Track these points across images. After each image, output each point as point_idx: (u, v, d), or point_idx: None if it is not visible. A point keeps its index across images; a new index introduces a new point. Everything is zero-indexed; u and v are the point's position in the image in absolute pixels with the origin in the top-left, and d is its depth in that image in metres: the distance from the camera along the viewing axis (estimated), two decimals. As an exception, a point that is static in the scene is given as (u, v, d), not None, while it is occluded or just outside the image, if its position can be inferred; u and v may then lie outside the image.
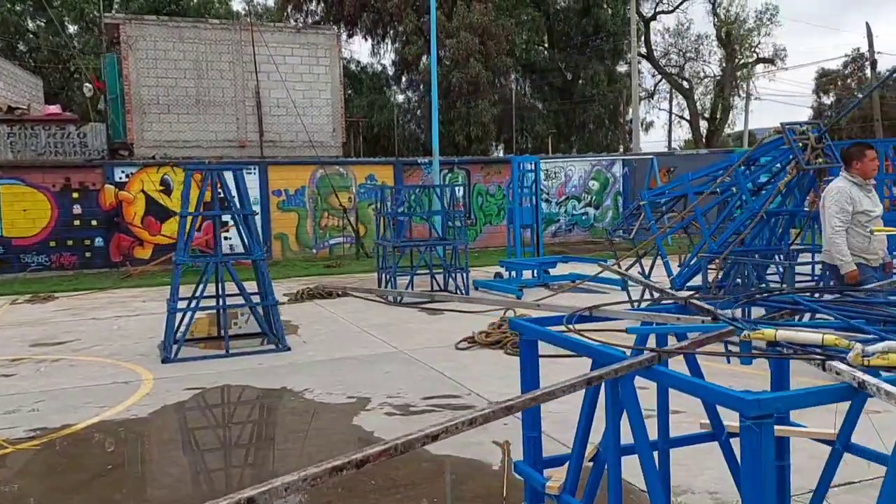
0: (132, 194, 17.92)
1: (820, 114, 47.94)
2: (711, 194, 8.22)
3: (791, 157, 7.04)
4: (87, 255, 17.61)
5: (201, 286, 8.25)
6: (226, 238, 18.82)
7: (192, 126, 18.79)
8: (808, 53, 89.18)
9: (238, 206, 8.37)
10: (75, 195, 17.41)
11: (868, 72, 45.05)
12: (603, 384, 2.21)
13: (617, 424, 2.21)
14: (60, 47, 33.69)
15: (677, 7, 36.98)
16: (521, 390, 2.80)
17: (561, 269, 12.95)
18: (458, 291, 11.43)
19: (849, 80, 46.92)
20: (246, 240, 8.37)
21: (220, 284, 8.08)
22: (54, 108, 18.01)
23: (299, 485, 1.31)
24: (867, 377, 1.62)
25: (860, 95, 46.62)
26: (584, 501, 2.50)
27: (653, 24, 37.41)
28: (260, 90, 19.24)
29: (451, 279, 11.73)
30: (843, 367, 1.69)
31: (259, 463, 4.94)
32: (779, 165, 7.60)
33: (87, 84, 18.25)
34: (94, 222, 17.58)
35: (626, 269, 9.47)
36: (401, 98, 35.27)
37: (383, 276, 12.04)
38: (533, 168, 12.92)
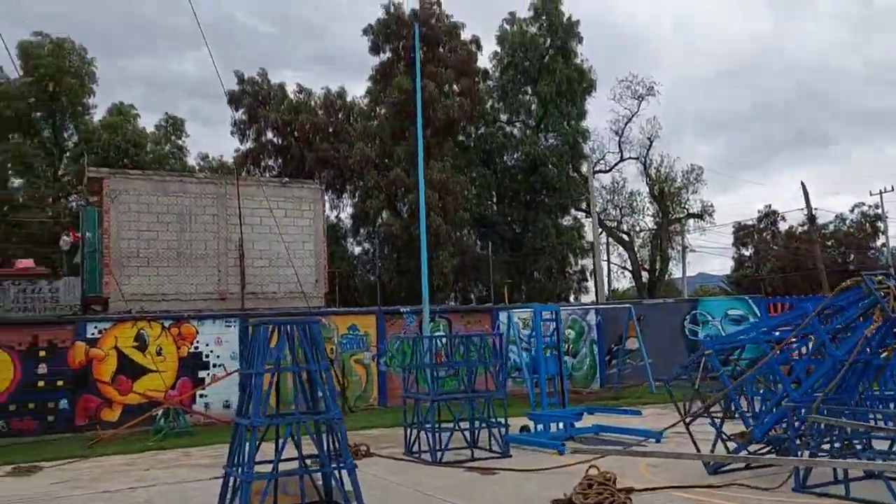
0: (104, 351, 16.77)
1: (741, 264, 51.34)
2: (776, 344, 8.41)
3: (874, 305, 7.37)
4: (50, 418, 16.04)
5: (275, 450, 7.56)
6: (202, 396, 17.82)
7: (173, 279, 18.16)
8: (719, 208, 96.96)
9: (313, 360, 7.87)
10: (42, 354, 16.13)
11: (781, 226, 49.14)
12: None
13: None
14: (3, 200, 32.69)
15: (613, 167, 39.96)
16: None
17: (585, 421, 12.69)
18: (497, 446, 10.96)
19: (764, 234, 50.83)
20: (323, 396, 7.81)
21: (299, 447, 7.45)
22: (27, 262, 17.10)
23: None
24: None
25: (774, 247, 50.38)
26: None
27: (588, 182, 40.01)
28: (244, 242, 18.98)
29: (481, 433, 11.26)
30: None
31: None
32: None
33: (63, 237, 17.54)
34: (60, 383, 16.21)
35: (690, 421, 9.39)
36: (357, 250, 35.64)
37: (412, 431, 11.41)
38: (553, 318, 12.99)
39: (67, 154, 34.62)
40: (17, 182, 33.92)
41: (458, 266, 32.13)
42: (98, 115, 35.50)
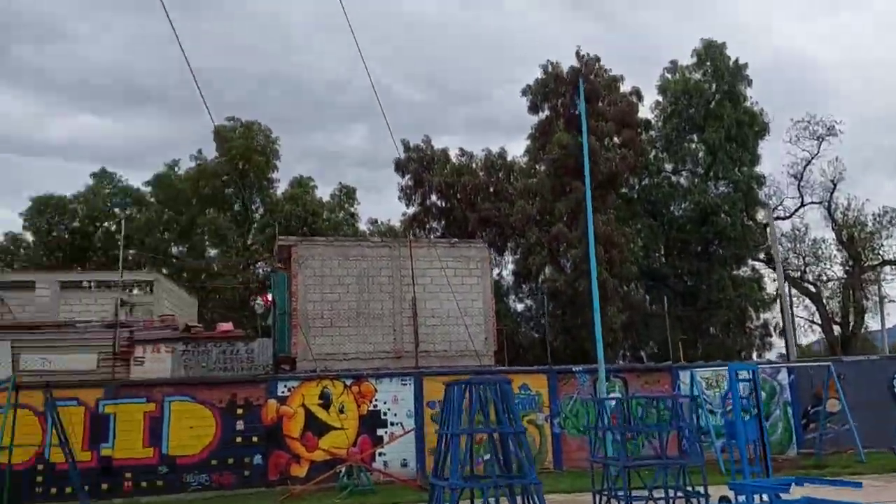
0: (293, 408, 17.69)
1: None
2: None
3: None
4: (246, 473, 17.05)
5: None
6: (380, 454, 18.19)
7: (353, 339, 18.99)
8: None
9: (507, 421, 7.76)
10: (239, 411, 17.29)
11: None
12: None
13: None
14: (201, 270, 36.20)
15: (793, 213, 37.23)
16: None
17: (794, 492, 11.45)
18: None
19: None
20: (518, 459, 7.65)
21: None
22: (227, 326, 18.69)
23: None
24: None
25: None
26: None
27: (768, 230, 37.39)
28: (417, 301, 19.52)
29: (676, 502, 10.47)
30: None
31: None
32: None
33: (257, 301, 19.03)
34: (255, 439, 17.25)
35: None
36: (520, 307, 35.57)
37: (601, 498, 10.87)
38: (750, 377, 12.01)
39: (255, 225, 37.90)
40: (213, 252, 37.51)
41: (627, 322, 31.01)
42: (281, 188, 38.75)
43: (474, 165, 33.92)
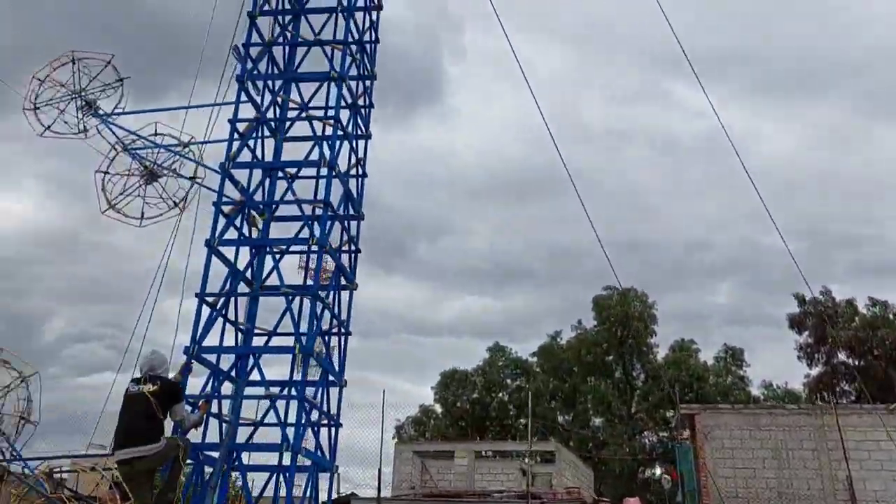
0: None
1: None
2: None
3: None
4: None
5: None
6: None
7: (778, 523, 16.65)
8: None
9: None
10: None
11: None
12: None
13: None
14: (587, 439, 36.32)
15: None
16: None
17: None
18: None
19: None
20: None
21: None
22: (634, 501, 18.01)
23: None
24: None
25: None
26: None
27: None
28: (853, 481, 16.55)
29: None
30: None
31: None
32: None
33: (664, 476, 18.08)
34: None
35: None
36: None
37: None
38: None
39: (637, 391, 37.24)
40: (597, 421, 37.55)
41: None
42: (661, 353, 37.88)
43: (891, 316, 29.22)
